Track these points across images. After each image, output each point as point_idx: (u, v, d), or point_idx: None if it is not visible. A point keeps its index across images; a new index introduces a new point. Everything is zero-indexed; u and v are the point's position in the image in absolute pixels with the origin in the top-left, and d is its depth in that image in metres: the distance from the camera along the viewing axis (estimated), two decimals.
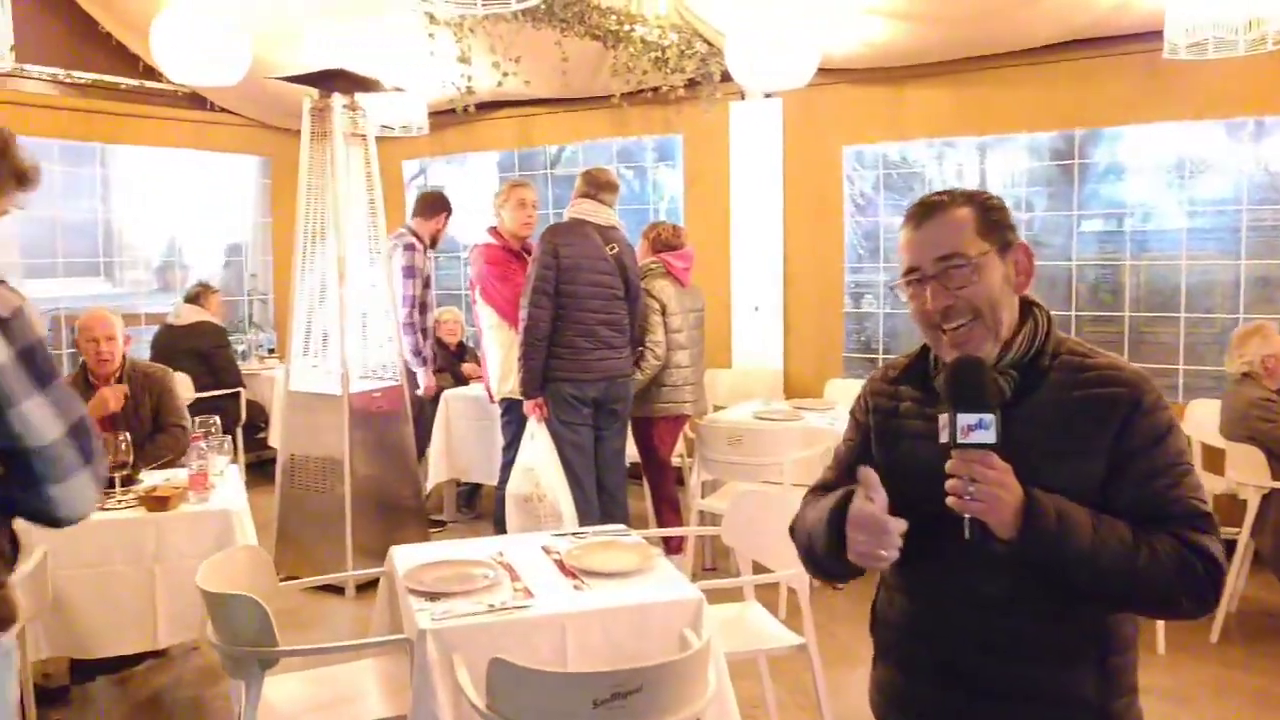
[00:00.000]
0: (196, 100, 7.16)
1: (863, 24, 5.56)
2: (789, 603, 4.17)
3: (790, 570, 3.14)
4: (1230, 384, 4.64)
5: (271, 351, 8.06)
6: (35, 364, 1.67)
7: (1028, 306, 1.70)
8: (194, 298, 6.79)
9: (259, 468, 7.02)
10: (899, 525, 1.57)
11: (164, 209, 8.14)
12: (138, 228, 8.09)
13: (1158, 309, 5.98)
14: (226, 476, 3.75)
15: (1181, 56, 4.50)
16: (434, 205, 5.79)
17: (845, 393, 6.16)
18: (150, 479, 3.70)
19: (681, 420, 5.26)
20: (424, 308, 5.66)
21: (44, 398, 1.66)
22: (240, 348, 7.82)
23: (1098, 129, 6.02)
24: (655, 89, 6.10)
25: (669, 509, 5.17)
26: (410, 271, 5.52)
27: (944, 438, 1.53)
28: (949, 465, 1.52)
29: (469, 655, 2.41)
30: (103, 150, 7.45)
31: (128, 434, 3.49)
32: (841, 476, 1.86)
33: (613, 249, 4.71)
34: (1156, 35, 5.29)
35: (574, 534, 3.21)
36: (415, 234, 5.68)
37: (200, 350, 6.56)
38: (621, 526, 3.34)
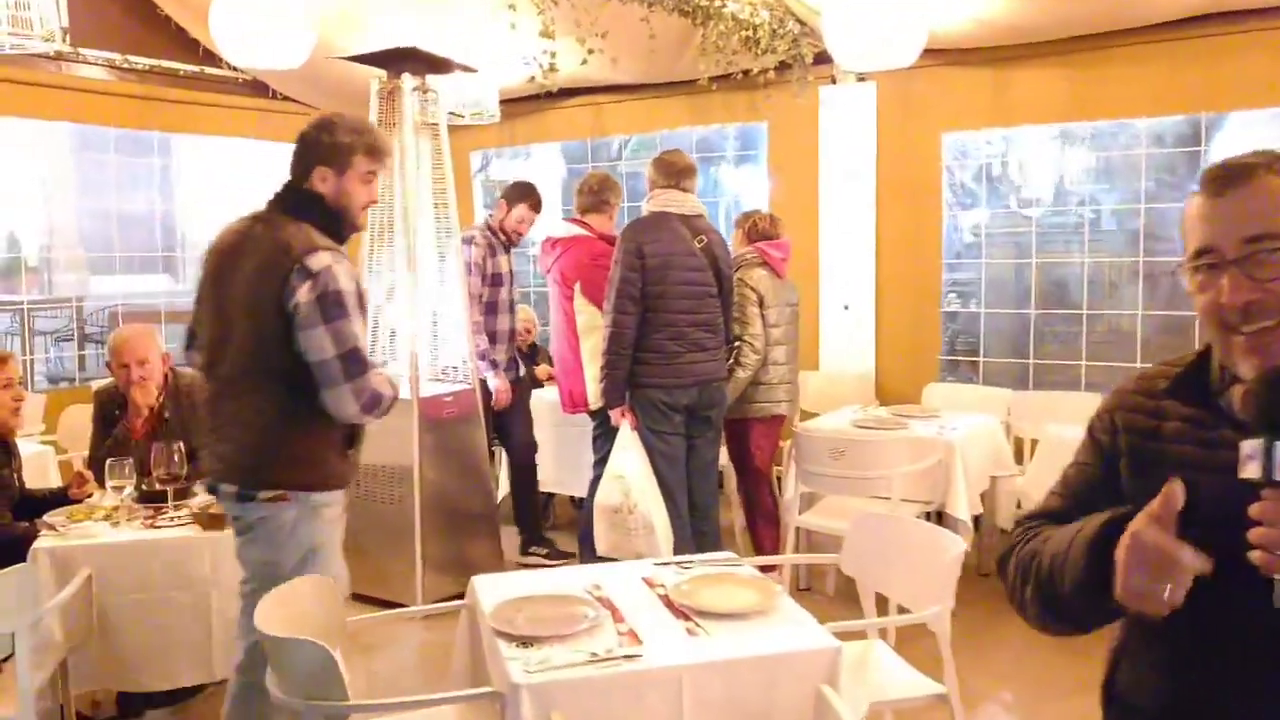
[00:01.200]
0: (258, 87, 6.88)
1: None
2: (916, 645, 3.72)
3: (933, 608, 2.72)
4: None
5: None
6: (326, 306, 2.49)
7: None
8: None
9: None
10: (1196, 561, 1.18)
11: (227, 201, 7.91)
12: (200, 221, 7.89)
13: None
14: None
15: None
16: (511, 195, 5.33)
17: (947, 399, 5.71)
18: (204, 495, 3.37)
19: (778, 422, 4.84)
20: (492, 308, 5.26)
21: (325, 329, 2.49)
22: None
23: (1228, 113, 5.48)
24: (745, 72, 5.68)
25: (766, 524, 4.76)
26: (468, 268, 5.11)
27: (1249, 472, 1.16)
28: (1258, 508, 1.14)
29: (571, 713, 2.04)
30: (161, 140, 7.23)
31: (181, 444, 3.16)
32: (1073, 505, 1.49)
33: (701, 241, 4.30)
34: None
35: (679, 563, 2.81)
36: (489, 227, 5.29)
37: None
38: (731, 555, 2.94)
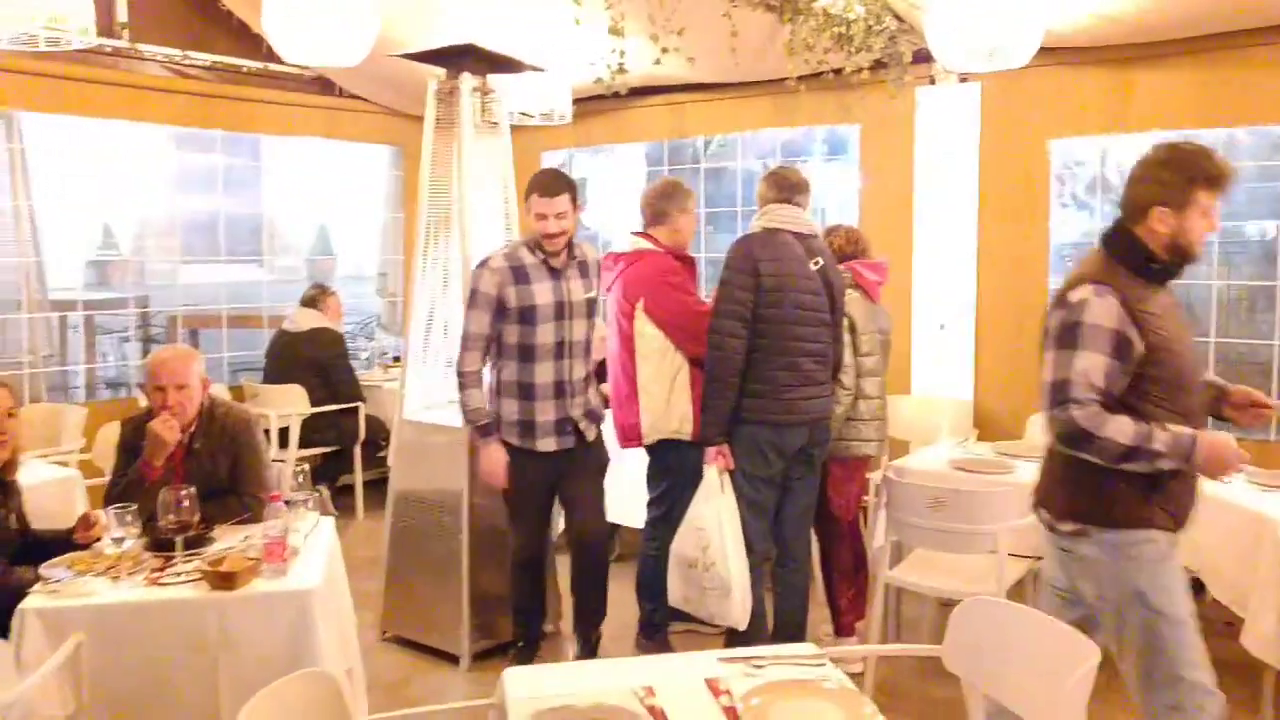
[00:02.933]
0: (324, 85, 6.63)
1: None
2: None
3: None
4: None
5: (397, 360, 7.50)
6: (1062, 333, 2.59)
7: None
8: (310, 301, 6.24)
9: (379, 486, 6.43)
10: None
11: (301, 202, 7.81)
12: (286, 219, 7.86)
13: None
14: (315, 540, 3.06)
15: None
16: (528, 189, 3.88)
17: None
18: (224, 540, 3.04)
19: (863, 464, 4.36)
20: (527, 353, 3.83)
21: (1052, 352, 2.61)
22: (365, 354, 7.28)
23: None
24: (837, 71, 5.19)
25: (843, 582, 4.28)
26: (471, 299, 3.85)
27: None
28: None
29: None
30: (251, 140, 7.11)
31: (192, 489, 2.83)
32: None
33: (817, 262, 3.85)
34: None
35: (749, 660, 2.37)
36: (526, 244, 3.91)
37: (317, 360, 6.01)
38: (813, 649, 2.48)
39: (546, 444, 3.86)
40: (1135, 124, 5.34)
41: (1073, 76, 5.40)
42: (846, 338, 4.06)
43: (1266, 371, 5.16)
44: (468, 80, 4.25)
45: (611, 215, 7.78)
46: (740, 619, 3.66)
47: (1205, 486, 4.18)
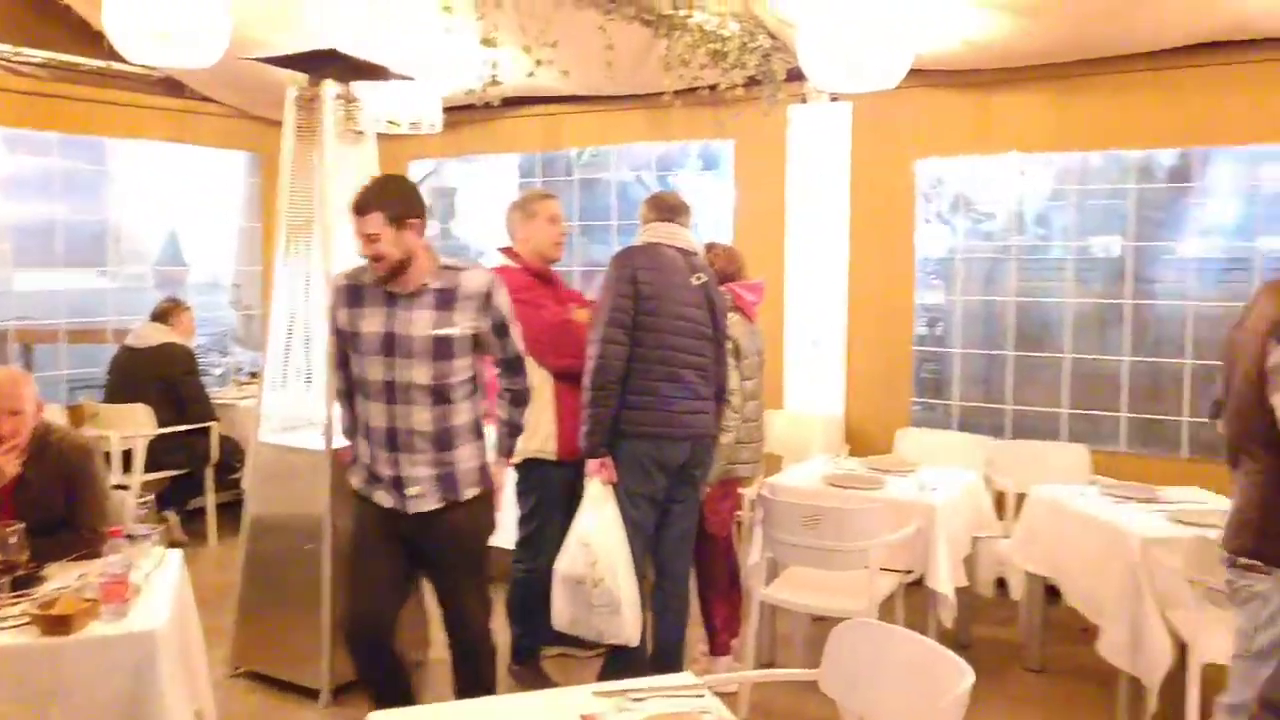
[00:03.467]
0: (173, 86, 6.27)
1: (967, 17, 4.64)
2: None
3: None
4: None
5: (254, 375, 7.15)
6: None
7: None
8: (161, 315, 5.88)
9: (233, 510, 6.11)
10: None
11: (150, 208, 7.38)
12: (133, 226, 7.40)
13: None
14: (160, 576, 2.84)
15: None
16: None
17: (922, 448, 5.28)
18: (58, 579, 2.79)
19: (737, 482, 4.35)
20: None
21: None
22: (218, 370, 6.93)
23: (1219, 147, 5.12)
24: (711, 87, 5.19)
25: (719, 601, 4.24)
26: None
27: None
28: None
29: None
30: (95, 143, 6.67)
31: (21, 525, 2.59)
32: None
33: (699, 279, 3.81)
34: None
35: (626, 693, 2.28)
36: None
37: (166, 378, 5.66)
38: (688, 677, 2.42)
39: (382, 498, 3.19)
40: (996, 146, 5.53)
41: (939, 99, 5.55)
42: (731, 361, 4.04)
43: (1116, 385, 5.39)
44: (330, 87, 4.07)
45: (482, 227, 7.62)
46: (632, 635, 3.57)
47: (1061, 498, 4.35)
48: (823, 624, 4.52)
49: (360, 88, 4.21)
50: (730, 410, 4.04)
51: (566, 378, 3.86)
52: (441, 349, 3.06)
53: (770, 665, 4.33)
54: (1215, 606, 3.47)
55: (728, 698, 3.89)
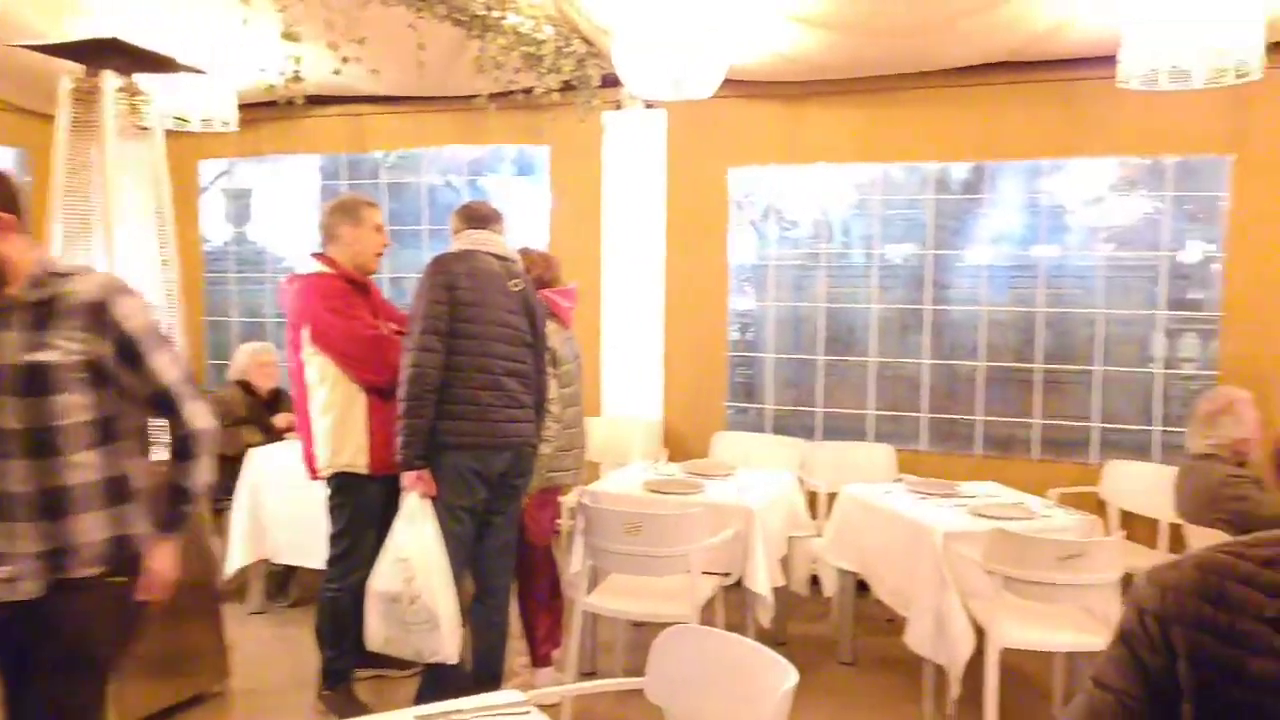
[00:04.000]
0: None
1: (780, 31, 4.76)
2: None
3: None
4: (1188, 460, 4.08)
5: None
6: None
7: None
8: None
9: None
10: None
11: None
12: None
13: (1069, 360, 5.45)
14: None
15: (1132, 87, 3.92)
16: None
17: (738, 451, 5.39)
18: None
19: (557, 490, 4.30)
20: None
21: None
22: None
23: (1011, 161, 5.48)
24: (526, 91, 5.12)
25: (540, 612, 4.18)
26: None
27: None
28: None
29: None
30: None
31: None
32: None
33: (516, 285, 3.73)
34: (1083, 63, 4.84)
35: (448, 715, 2.18)
36: None
37: None
38: (513, 695, 2.34)
39: None
40: (805, 156, 5.71)
41: (752, 109, 5.69)
42: (550, 369, 3.99)
43: (916, 387, 5.66)
44: (111, 79, 3.76)
45: (280, 232, 7.25)
46: (451, 652, 3.46)
47: (869, 496, 4.52)
48: (644, 630, 4.55)
49: (146, 80, 3.92)
50: (552, 419, 4.00)
51: (382, 391, 3.71)
52: (36, 382, 2.22)
53: (592, 674, 4.30)
54: (1011, 594, 3.67)
55: (550, 709, 3.85)
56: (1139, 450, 5.30)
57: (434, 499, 3.53)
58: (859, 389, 5.79)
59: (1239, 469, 3.92)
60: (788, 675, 2.33)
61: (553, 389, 4.00)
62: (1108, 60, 3.97)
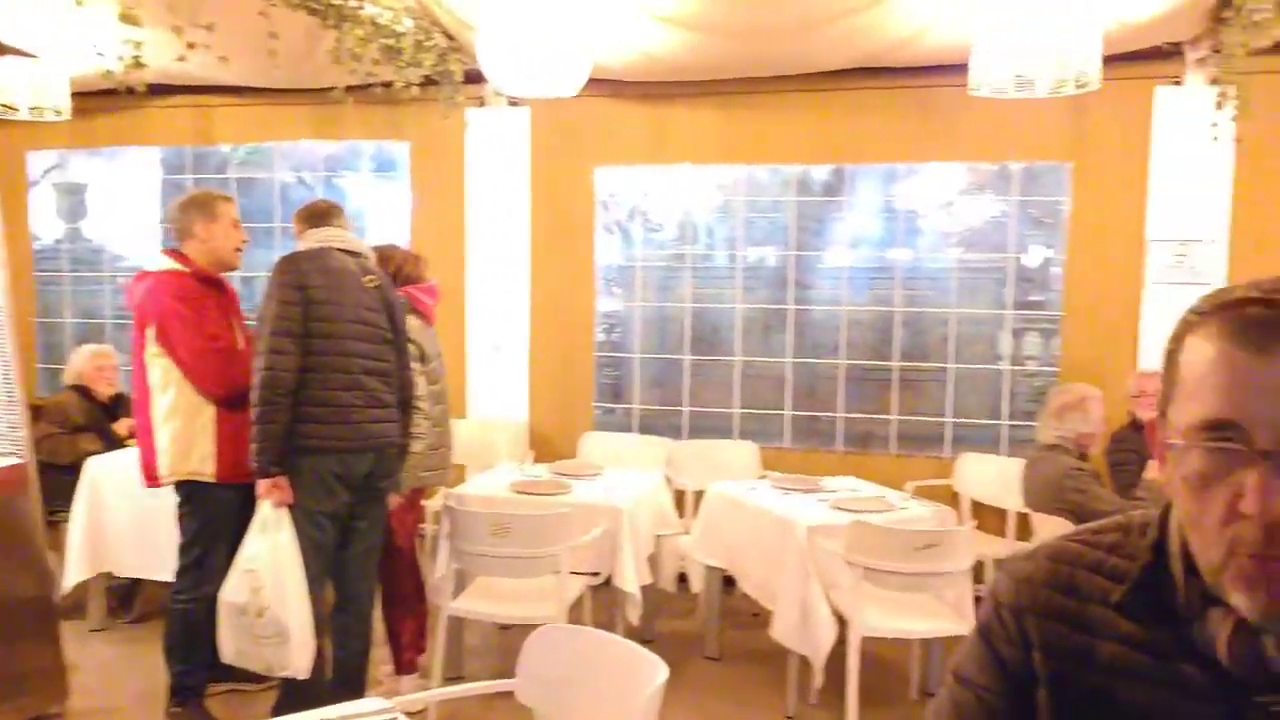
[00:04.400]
0: None
1: (645, 30, 4.77)
2: None
3: None
4: (1037, 450, 4.28)
5: None
6: None
7: None
8: None
9: None
10: None
11: None
12: None
13: (924, 358, 5.65)
14: None
15: (983, 94, 4.10)
16: None
17: (605, 451, 5.38)
18: None
19: (421, 492, 4.20)
20: None
21: None
22: None
23: (869, 164, 5.65)
24: (386, 84, 4.98)
25: (405, 616, 4.06)
26: None
27: None
28: None
29: None
30: None
31: None
32: None
33: (372, 281, 3.61)
34: (938, 71, 5.02)
35: None
36: None
37: None
38: (378, 703, 2.26)
39: None
40: (671, 157, 5.75)
41: (617, 109, 5.69)
42: (417, 365, 3.89)
43: (779, 385, 5.77)
44: None
45: (118, 229, 6.85)
46: (302, 666, 3.32)
47: (735, 493, 4.58)
48: (511, 633, 4.49)
49: None
50: (423, 417, 3.90)
51: (229, 402, 3.56)
52: None
53: (459, 679, 4.20)
54: (871, 584, 3.77)
55: (416, 716, 3.75)
56: (989, 444, 5.53)
57: (293, 505, 3.39)
58: (724, 388, 5.86)
59: (1081, 462, 4.13)
60: (658, 671, 2.33)
61: (421, 385, 3.90)
62: (961, 68, 4.13)
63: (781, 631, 4.00)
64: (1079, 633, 0.99)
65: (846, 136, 5.48)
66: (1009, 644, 1.04)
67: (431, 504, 5.07)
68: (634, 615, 4.13)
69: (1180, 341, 0.93)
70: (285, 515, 3.37)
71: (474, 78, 5.17)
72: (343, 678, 3.64)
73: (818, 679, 3.94)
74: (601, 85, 5.30)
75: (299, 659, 3.35)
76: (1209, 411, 0.87)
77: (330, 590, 3.68)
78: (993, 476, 5.11)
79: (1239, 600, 0.88)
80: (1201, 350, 0.90)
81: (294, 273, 3.41)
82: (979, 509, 5.14)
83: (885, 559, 3.71)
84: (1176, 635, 0.94)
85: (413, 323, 3.92)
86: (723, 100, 5.56)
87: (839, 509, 4.16)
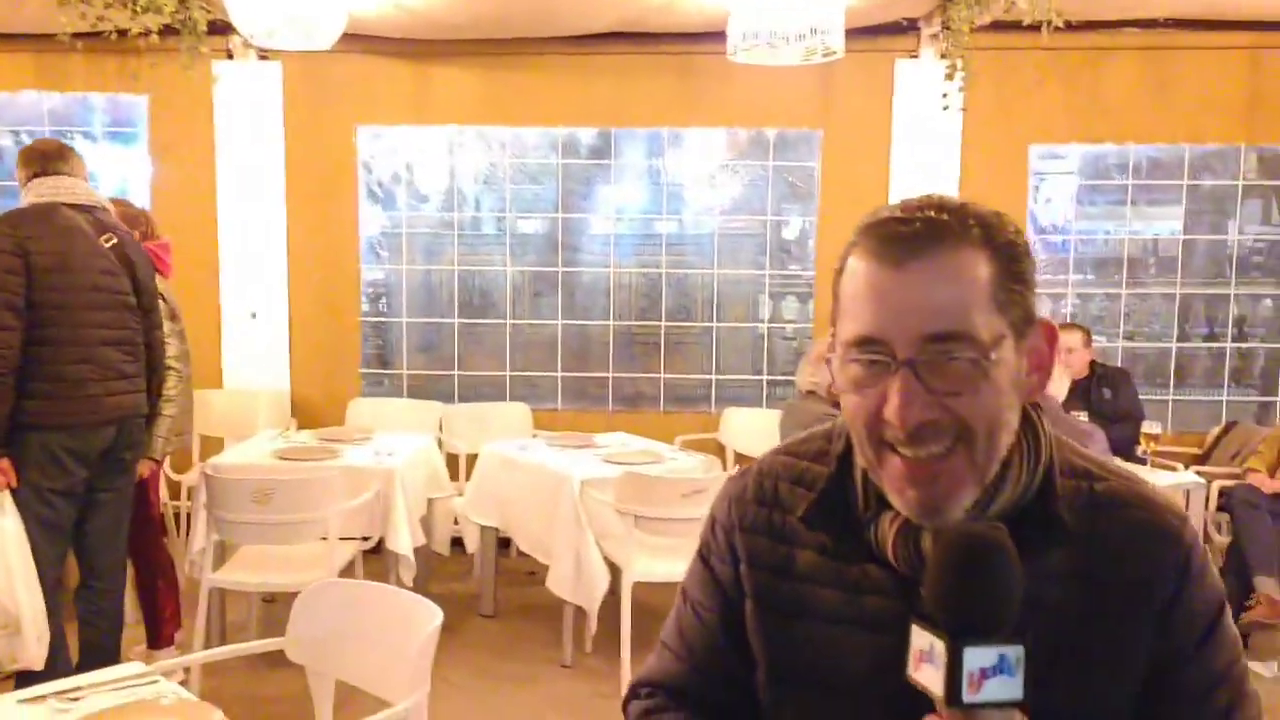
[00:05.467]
0: None
1: None
2: None
3: (405, 701, 2.21)
4: (795, 398, 4.54)
5: None
6: None
7: (1025, 415, 1.02)
8: None
9: None
10: None
11: None
12: None
13: (690, 320, 5.86)
14: None
15: (739, 59, 4.28)
16: None
17: (375, 416, 5.27)
18: None
19: (171, 456, 3.98)
20: None
21: None
22: None
23: (635, 129, 5.76)
24: (121, 32, 4.61)
25: (168, 588, 3.86)
26: None
27: (925, 678, 0.86)
28: None
29: None
30: None
31: None
32: (694, 665, 1.13)
33: (109, 239, 3.34)
34: (699, 38, 5.19)
35: (60, 694, 1.94)
36: None
37: None
38: (136, 666, 2.13)
39: None
40: (436, 117, 5.65)
41: (377, 66, 5.53)
42: (169, 324, 3.66)
43: (551, 348, 5.81)
44: None
45: None
46: (36, 656, 3.08)
47: (508, 452, 4.59)
48: (276, 606, 4.33)
49: None
50: (178, 378, 3.68)
51: None
52: None
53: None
54: (642, 532, 3.89)
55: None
56: (752, 401, 5.80)
57: (23, 483, 3.12)
58: (496, 352, 5.84)
59: (834, 409, 4.41)
60: (433, 616, 2.33)
61: (174, 346, 3.68)
62: (719, 35, 4.29)
63: (556, 582, 4.07)
64: (781, 544, 1.07)
65: (611, 100, 5.57)
66: (721, 562, 1.12)
67: (187, 479, 4.81)
68: (407, 577, 4.07)
69: (843, 262, 1.00)
70: (7, 499, 3.10)
71: (222, 28, 4.87)
72: (93, 660, 3.40)
73: (592, 626, 4.04)
74: (359, 40, 5.14)
75: (32, 649, 3.11)
76: (859, 329, 0.95)
77: (74, 571, 3.44)
78: (755, 428, 5.38)
79: (895, 499, 0.97)
80: (854, 269, 0.97)
81: (10, 238, 3.12)
82: (742, 459, 5.40)
83: (654, 507, 3.84)
84: (859, 539, 1.02)
85: (160, 282, 3.69)
86: (487, 60, 5.52)
87: (610, 462, 4.26)
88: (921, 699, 0.87)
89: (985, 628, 0.83)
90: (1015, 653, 0.84)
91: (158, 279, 3.69)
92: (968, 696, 0.82)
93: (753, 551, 1.08)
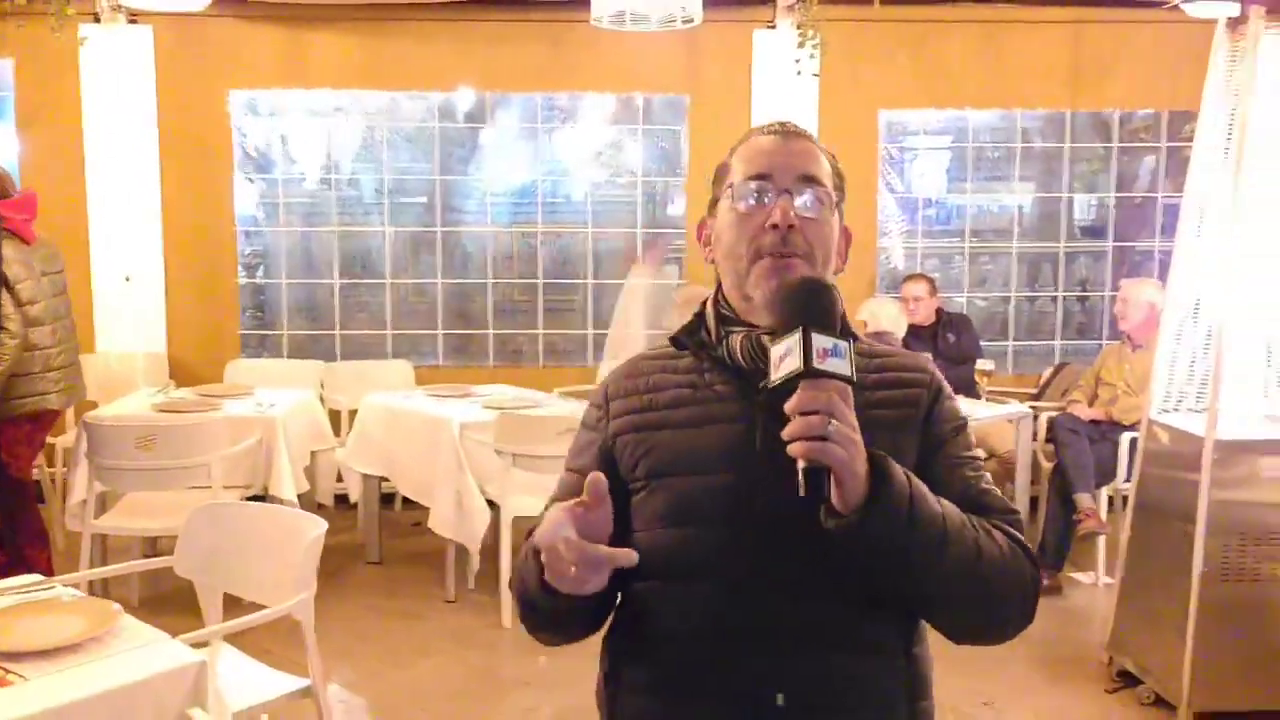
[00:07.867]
0: None
1: None
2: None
3: (290, 600, 2.41)
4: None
5: None
6: None
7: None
8: None
9: None
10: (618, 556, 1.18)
11: None
12: None
13: (567, 276, 6.08)
14: None
15: (605, 26, 4.50)
16: None
17: (256, 376, 5.34)
18: None
19: (49, 418, 4.00)
20: None
21: None
22: None
23: (511, 93, 5.94)
24: None
25: (38, 546, 3.89)
26: None
27: (788, 367, 1.12)
28: (796, 400, 1.11)
29: None
30: None
31: None
32: None
33: None
34: (571, 5, 5.38)
35: None
36: None
37: None
38: (33, 577, 2.27)
39: None
40: (312, 81, 5.73)
41: (250, 30, 5.57)
42: (3, 290, 3.66)
43: (432, 307, 5.96)
44: None
45: None
46: None
47: (390, 401, 4.74)
48: (160, 556, 4.39)
49: None
50: (9, 338, 3.66)
51: None
52: None
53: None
54: (519, 470, 4.11)
55: None
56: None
57: None
58: (376, 311, 5.97)
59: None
60: (317, 525, 2.52)
61: (9, 307, 3.66)
62: (588, 2, 4.49)
63: (439, 522, 4.26)
64: (647, 393, 1.36)
65: (488, 65, 5.72)
66: (599, 421, 1.39)
67: (64, 441, 4.82)
68: None
69: (730, 156, 1.40)
70: None
71: None
72: None
73: (475, 563, 4.25)
74: (230, 4, 5.19)
75: None
76: (753, 170, 1.34)
77: None
78: None
79: (758, 291, 1.30)
80: (741, 149, 1.39)
81: None
82: None
83: (532, 445, 4.06)
84: (711, 359, 1.34)
85: (7, 247, 3.68)
86: (362, 25, 5.61)
87: (489, 408, 4.47)
88: (764, 476, 1.18)
89: (823, 325, 1.13)
90: (844, 345, 1.13)
91: (14, 245, 3.68)
92: (817, 363, 1.10)
93: (625, 401, 1.37)
